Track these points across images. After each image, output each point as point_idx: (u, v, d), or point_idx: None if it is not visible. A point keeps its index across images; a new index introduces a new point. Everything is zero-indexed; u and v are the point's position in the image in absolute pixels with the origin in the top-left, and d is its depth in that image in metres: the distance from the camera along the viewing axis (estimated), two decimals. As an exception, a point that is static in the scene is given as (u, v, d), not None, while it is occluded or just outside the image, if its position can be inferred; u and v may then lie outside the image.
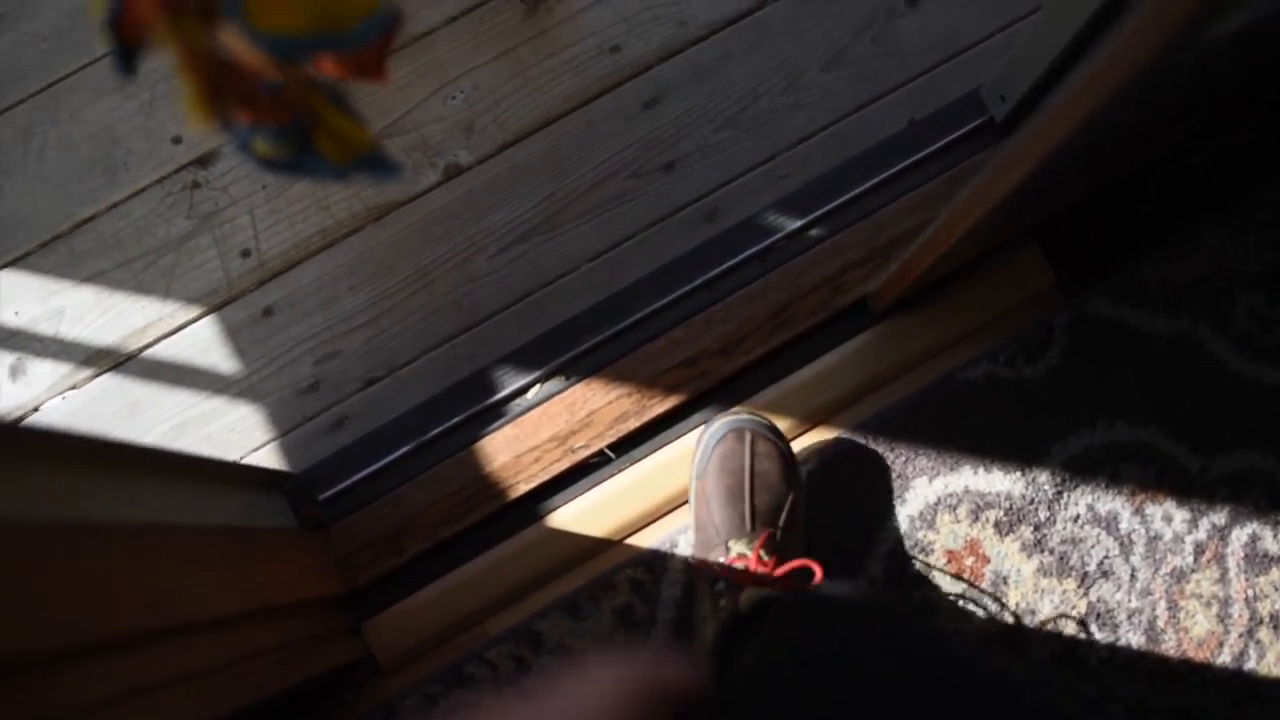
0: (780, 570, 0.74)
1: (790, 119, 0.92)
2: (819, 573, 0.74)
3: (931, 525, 0.84)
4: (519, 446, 0.84)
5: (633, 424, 0.85)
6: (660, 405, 0.85)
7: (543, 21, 0.93)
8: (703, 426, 0.83)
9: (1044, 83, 0.78)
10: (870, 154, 0.91)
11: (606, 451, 0.85)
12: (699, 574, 0.79)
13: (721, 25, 0.93)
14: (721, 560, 0.77)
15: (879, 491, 0.85)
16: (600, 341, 0.87)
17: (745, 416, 0.82)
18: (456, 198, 0.91)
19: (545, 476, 0.84)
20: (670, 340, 0.86)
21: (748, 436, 0.80)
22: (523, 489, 0.84)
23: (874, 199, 0.89)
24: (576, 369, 0.87)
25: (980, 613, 0.84)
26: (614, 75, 0.92)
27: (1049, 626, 0.84)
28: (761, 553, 0.75)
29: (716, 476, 0.80)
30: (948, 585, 0.84)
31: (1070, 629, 0.84)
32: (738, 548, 0.76)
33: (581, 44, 0.92)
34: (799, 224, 0.89)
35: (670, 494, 0.85)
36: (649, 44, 0.93)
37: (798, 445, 0.86)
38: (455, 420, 0.86)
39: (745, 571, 0.74)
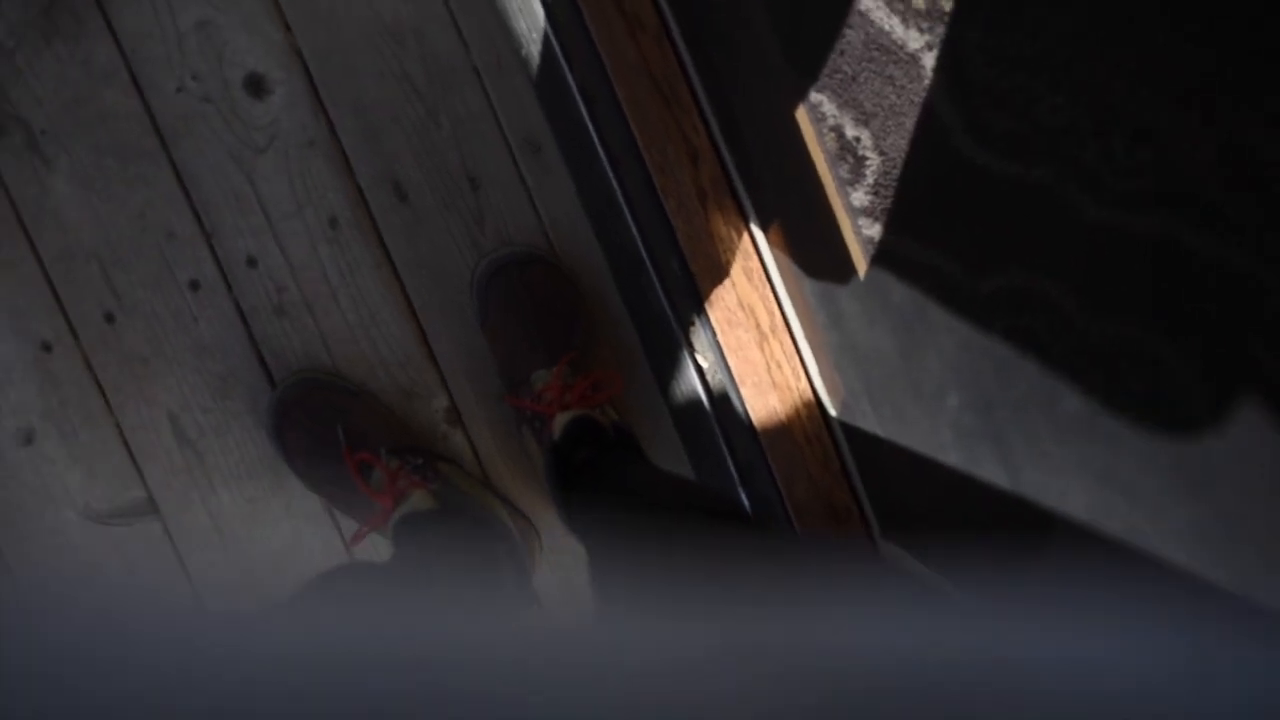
0: (579, 388, 0.75)
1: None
2: (618, 382, 0.78)
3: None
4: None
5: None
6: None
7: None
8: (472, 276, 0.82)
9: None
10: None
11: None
12: (518, 416, 0.80)
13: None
14: (529, 397, 0.77)
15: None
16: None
17: (505, 252, 0.81)
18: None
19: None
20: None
21: (513, 271, 0.80)
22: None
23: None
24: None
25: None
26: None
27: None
28: (564, 376, 0.76)
29: (500, 318, 0.80)
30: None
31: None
32: (540, 380, 0.77)
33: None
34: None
35: None
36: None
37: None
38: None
39: (551, 402, 0.75)
